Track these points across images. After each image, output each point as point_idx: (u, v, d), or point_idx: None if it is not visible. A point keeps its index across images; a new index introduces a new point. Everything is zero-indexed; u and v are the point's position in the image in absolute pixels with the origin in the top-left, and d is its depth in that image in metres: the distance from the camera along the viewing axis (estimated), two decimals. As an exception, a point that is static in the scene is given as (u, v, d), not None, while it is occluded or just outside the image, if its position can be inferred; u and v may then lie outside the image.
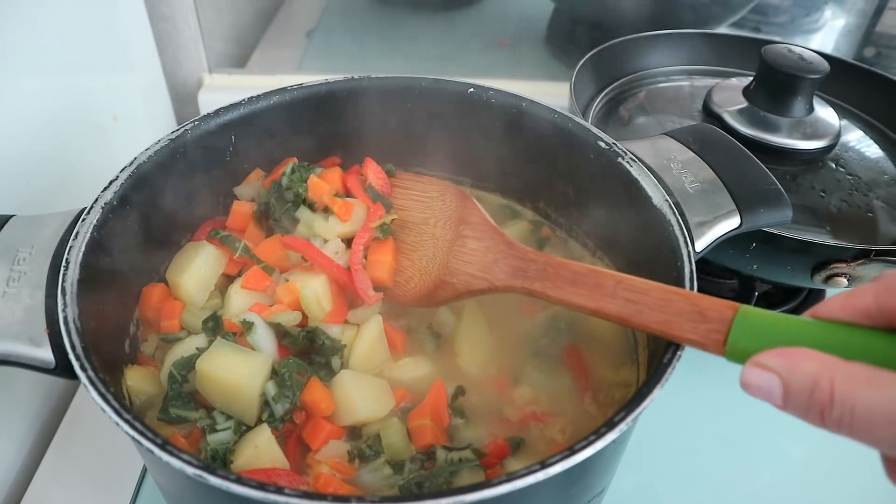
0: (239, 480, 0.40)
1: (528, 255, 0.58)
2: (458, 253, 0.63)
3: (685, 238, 0.57)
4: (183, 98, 1.32)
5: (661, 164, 0.66)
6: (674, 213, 0.59)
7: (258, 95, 0.72)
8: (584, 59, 1.02)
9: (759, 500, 0.76)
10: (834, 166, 0.89)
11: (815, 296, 0.98)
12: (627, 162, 0.64)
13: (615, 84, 1.08)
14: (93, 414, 0.81)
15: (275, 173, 0.73)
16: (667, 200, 0.60)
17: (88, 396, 0.80)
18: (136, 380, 0.61)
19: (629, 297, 0.49)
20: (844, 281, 0.77)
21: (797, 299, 0.98)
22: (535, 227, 0.79)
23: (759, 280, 0.90)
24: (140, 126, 1.10)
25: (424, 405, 0.59)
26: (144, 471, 0.75)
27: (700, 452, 0.80)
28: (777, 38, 1.03)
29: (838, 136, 0.91)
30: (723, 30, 1.30)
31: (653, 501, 0.75)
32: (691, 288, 0.53)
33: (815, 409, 0.36)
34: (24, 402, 0.80)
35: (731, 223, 0.61)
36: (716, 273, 0.97)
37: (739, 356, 0.43)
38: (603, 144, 0.67)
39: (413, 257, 0.67)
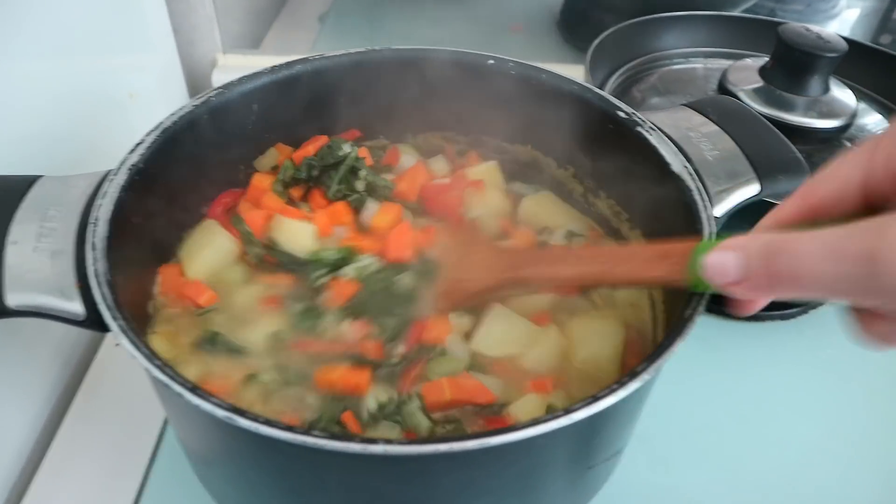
0: (268, 422, 0.41)
1: (517, 252, 0.69)
2: (458, 269, 0.68)
3: (704, 202, 0.57)
4: (197, 78, 1.33)
5: (680, 133, 0.66)
6: (693, 178, 0.59)
7: (280, 65, 0.73)
8: (599, 39, 1.02)
9: (770, 478, 0.76)
10: (850, 146, 0.90)
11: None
12: (647, 130, 0.65)
13: (629, 65, 1.08)
14: (113, 376, 0.82)
15: (305, 149, 0.76)
16: (686, 167, 0.61)
17: (108, 359, 0.83)
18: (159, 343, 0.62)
19: (603, 259, 0.56)
20: (858, 257, 0.77)
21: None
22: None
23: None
24: (155, 104, 1.10)
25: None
26: (163, 431, 0.77)
27: (712, 430, 0.80)
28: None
29: (854, 115, 0.91)
30: (738, 14, 1.30)
31: (665, 474, 0.75)
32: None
33: (767, 263, 0.39)
34: (45, 364, 0.81)
35: (751, 190, 0.61)
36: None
37: (701, 281, 0.46)
38: (622, 114, 0.67)
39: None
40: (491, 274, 0.65)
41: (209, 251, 0.69)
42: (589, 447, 0.50)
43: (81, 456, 0.75)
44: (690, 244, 0.48)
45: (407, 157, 0.82)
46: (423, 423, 0.57)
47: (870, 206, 0.41)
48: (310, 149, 0.76)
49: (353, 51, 0.75)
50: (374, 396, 0.58)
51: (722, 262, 0.42)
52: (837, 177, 0.41)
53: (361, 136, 0.81)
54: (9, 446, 0.75)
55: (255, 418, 0.42)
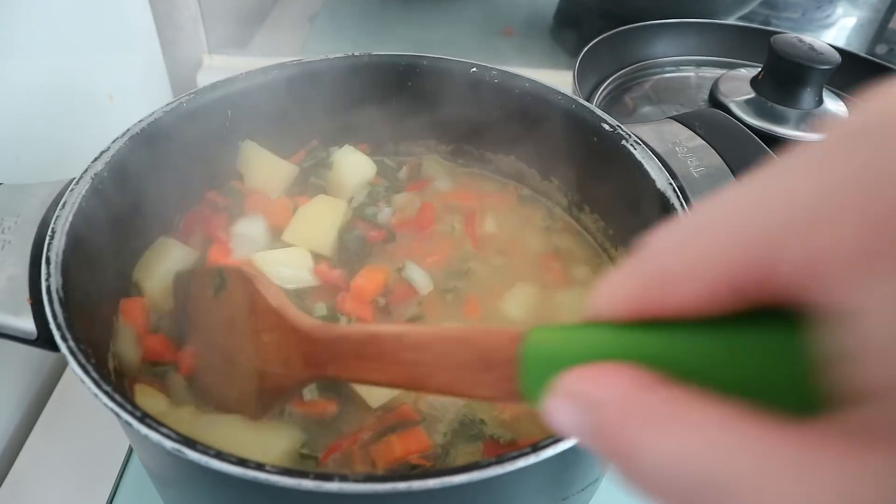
0: (219, 455, 0.39)
1: (313, 334, 0.47)
2: (261, 351, 0.52)
3: (689, 223, 0.55)
4: (182, 79, 1.30)
5: (666, 148, 0.64)
6: (678, 197, 0.57)
7: (256, 70, 0.71)
8: (589, 45, 1.00)
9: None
10: (842, 160, 0.88)
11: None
12: (631, 145, 0.63)
13: (620, 72, 1.06)
14: (81, 392, 0.79)
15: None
16: (671, 184, 0.59)
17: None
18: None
19: (413, 359, 0.38)
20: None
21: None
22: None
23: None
24: (137, 106, 1.08)
25: None
26: (131, 450, 0.74)
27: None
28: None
29: (847, 128, 0.89)
30: (731, 21, 1.28)
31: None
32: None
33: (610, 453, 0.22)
34: (12, 379, 0.79)
35: (737, 209, 0.59)
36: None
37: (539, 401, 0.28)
38: (607, 127, 0.65)
39: (223, 362, 0.55)
40: (293, 368, 0.48)
41: (169, 264, 0.65)
42: (561, 481, 0.48)
43: (47, 472, 0.72)
44: (513, 342, 0.30)
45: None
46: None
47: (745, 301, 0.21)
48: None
49: (332, 56, 0.73)
50: (438, 433, 0.55)
51: (558, 413, 0.24)
52: (705, 268, 0.21)
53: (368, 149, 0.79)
54: (-29, 462, 0.73)
55: (205, 451, 0.39)
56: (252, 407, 0.52)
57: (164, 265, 0.65)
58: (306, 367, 0.47)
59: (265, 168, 0.73)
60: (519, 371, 0.30)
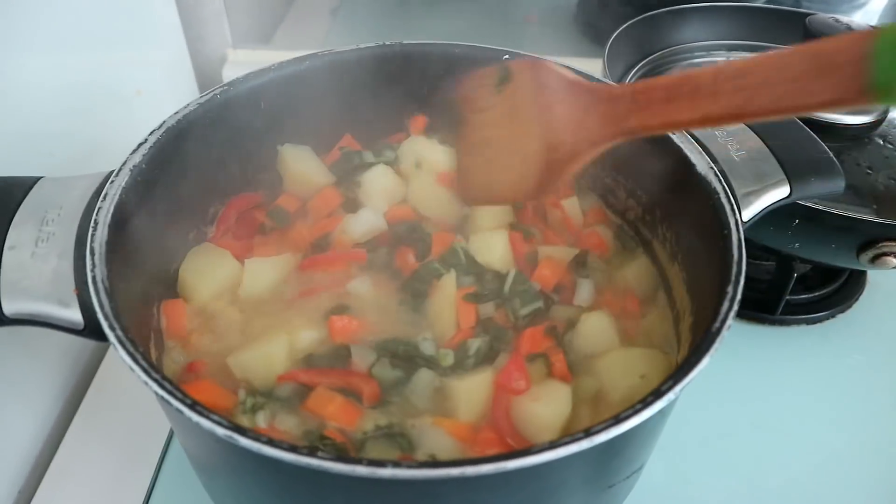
0: (270, 442, 0.39)
1: (613, 92, 0.52)
2: (548, 125, 0.55)
3: (732, 206, 0.54)
4: (207, 73, 1.31)
5: (704, 132, 0.63)
6: (719, 180, 0.56)
7: (288, 61, 0.71)
8: (618, 31, 0.99)
9: (793, 488, 0.73)
10: (881, 143, 0.86)
11: (856, 278, 0.95)
12: (670, 129, 0.62)
13: (649, 59, 1.05)
14: (120, 380, 0.80)
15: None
16: (712, 168, 0.58)
17: (115, 362, 0.81)
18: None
19: (735, 86, 0.42)
20: (893, 260, 0.73)
21: (838, 281, 0.94)
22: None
23: (799, 260, 0.87)
24: (164, 101, 1.08)
25: None
26: (170, 436, 0.75)
27: (733, 438, 0.77)
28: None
29: (886, 111, 0.87)
30: (761, 4, 1.26)
31: (685, 486, 0.73)
32: (740, 259, 0.51)
33: None
34: (53, 367, 0.80)
35: (781, 192, 0.58)
36: (753, 254, 0.94)
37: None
38: (643, 112, 0.64)
39: (503, 152, 0.60)
40: (588, 130, 0.52)
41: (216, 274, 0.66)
42: (609, 467, 0.48)
43: (89, 459, 0.74)
44: (860, 41, 0.35)
45: None
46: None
47: None
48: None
49: (363, 46, 0.73)
50: (373, 421, 0.55)
51: None
52: None
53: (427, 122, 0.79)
54: (16, 450, 0.74)
55: (256, 438, 0.39)
56: (531, 186, 0.57)
57: (211, 274, 0.66)
58: (605, 126, 0.51)
59: (303, 174, 0.74)
60: (869, 67, 0.33)
